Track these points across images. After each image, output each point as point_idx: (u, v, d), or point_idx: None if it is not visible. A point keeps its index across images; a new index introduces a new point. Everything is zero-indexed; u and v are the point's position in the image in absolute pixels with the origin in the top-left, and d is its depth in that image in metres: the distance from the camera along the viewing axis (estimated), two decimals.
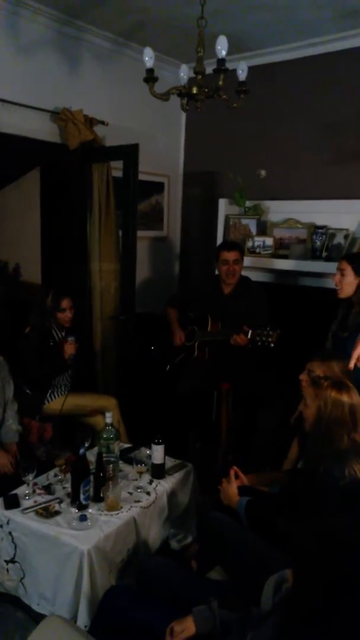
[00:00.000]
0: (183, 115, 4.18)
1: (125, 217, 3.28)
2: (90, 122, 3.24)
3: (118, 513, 2.03)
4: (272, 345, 2.70)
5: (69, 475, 2.16)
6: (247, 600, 1.45)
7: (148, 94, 2.33)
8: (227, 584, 1.74)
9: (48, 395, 2.87)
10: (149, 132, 3.85)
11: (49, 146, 3.23)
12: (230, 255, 3.09)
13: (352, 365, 2.17)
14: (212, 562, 1.88)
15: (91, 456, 2.28)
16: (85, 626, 1.77)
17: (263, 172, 3.73)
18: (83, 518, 1.94)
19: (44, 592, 1.92)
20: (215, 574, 1.84)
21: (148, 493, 2.21)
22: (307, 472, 1.85)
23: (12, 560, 2.00)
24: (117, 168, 3.31)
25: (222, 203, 3.66)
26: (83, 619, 1.79)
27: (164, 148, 4.11)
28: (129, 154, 3.17)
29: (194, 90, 2.30)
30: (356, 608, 1.03)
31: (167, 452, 2.36)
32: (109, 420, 2.37)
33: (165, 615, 1.42)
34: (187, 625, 1.38)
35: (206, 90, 2.30)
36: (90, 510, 2.01)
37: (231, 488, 1.99)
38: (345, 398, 1.76)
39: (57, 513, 2.00)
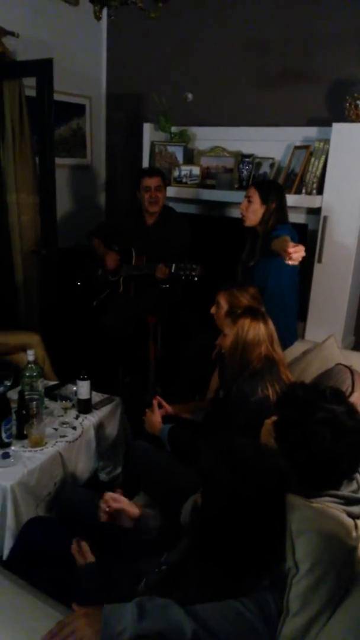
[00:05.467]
0: (104, 31, 3.85)
1: (41, 141, 3.03)
2: None
3: (42, 449, 2.02)
4: (195, 279, 2.68)
5: None
6: (169, 522, 1.50)
7: (64, 4, 2.07)
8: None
9: None
10: (66, 47, 3.51)
11: None
12: (152, 182, 2.97)
13: (290, 253, 1.95)
14: (137, 489, 1.94)
15: (15, 395, 2.21)
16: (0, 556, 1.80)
17: (190, 96, 3.55)
18: (5, 456, 1.92)
19: None
20: (139, 499, 1.90)
21: (74, 428, 2.21)
22: (225, 391, 1.92)
23: None
24: (31, 87, 3.01)
25: (147, 128, 3.47)
26: (6, 552, 1.80)
27: (84, 66, 3.78)
28: (43, 70, 2.88)
29: None
30: (253, 524, 1.08)
31: (95, 388, 2.35)
32: (31, 357, 2.30)
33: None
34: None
35: None
36: (13, 448, 1.98)
37: (154, 417, 2.03)
38: (260, 323, 1.85)
39: None
